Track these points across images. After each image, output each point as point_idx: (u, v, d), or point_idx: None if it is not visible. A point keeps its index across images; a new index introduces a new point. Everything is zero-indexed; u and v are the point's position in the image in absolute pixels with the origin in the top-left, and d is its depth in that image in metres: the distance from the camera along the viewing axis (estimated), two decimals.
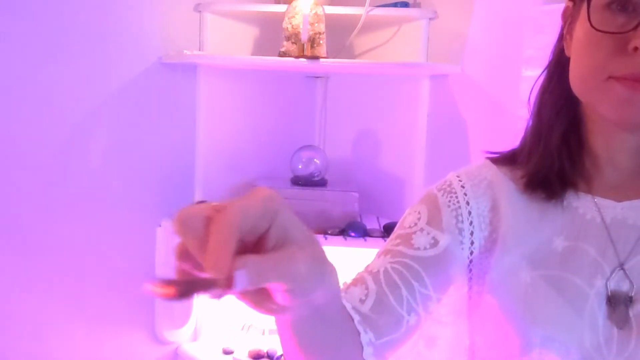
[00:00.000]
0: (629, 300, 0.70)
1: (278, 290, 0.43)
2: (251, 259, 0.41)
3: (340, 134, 1.92)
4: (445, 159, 1.67)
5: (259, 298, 0.44)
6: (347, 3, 1.72)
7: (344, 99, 1.92)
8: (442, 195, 0.80)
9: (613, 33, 0.66)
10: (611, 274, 0.71)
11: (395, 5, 1.71)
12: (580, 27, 0.71)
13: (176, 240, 0.43)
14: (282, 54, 1.64)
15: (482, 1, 1.58)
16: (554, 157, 0.76)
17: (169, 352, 1.80)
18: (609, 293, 0.70)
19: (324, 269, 0.46)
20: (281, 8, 1.68)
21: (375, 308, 0.71)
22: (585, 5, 0.69)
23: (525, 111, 0.82)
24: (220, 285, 0.39)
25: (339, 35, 1.75)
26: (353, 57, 1.86)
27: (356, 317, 0.69)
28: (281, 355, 1.72)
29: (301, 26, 1.59)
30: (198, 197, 1.79)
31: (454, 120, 1.64)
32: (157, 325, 1.76)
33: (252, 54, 1.83)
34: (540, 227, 0.75)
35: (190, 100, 1.75)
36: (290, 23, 1.62)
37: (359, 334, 0.68)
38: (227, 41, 1.77)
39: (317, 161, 1.74)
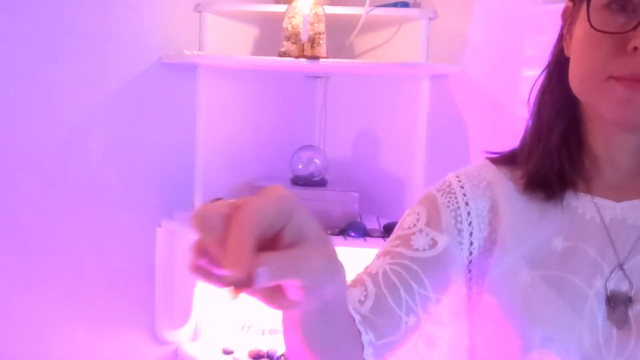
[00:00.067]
0: (628, 301, 0.70)
1: (292, 286, 0.43)
2: (271, 256, 0.41)
3: (340, 134, 1.92)
4: (445, 159, 1.67)
5: (271, 293, 0.44)
6: (347, 3, 1.72)
7: (344, 99, 1.92)
8: (442, 196, 0.80)
9: (613, 33, 0.66)
10: (610, 274, 0.71)
11: (395, 5, 1.71)
12: (580, 27, 0.71)
13: (189, 237, 0.43)
14: (282, 54, 1.64)
15: (482, 1, 1.58)
16: (554, 157, 0.76)
17: (169, 352, 1.80)
18: (609, 293, 0.70)
19: (336, 266, 0.47)
20: (281, 8, 1.68)
21: (374, 309, 0.71)
22: (584, 5, 0.68)
23: (525, 111, 0.82)
24: (241, 281, 0.40)
25: (339, 35, 1.75)
26: (353, 57, 1.86)
27: (357, 317, 0.69)
28: (281, 355, 1.72)
29: (301, 26, 1.59)
30: (198, 197, 1.79)
31: (454, 120, 1.64)
32: (157, 325, 1.76)
33: (252, 54, 1.83)
34: (540, 227, 0.75)
35: (190, 100, 1.75)
36: (290, 23, 1.62)
37: (360, 333, 0.68)
38: (227, 41, 1.78)
39: (317, 161, 1.74)
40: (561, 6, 0.77)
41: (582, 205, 0.75)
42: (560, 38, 0.77)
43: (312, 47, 1.61)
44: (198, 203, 1.79)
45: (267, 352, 1.73)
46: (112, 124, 1.63)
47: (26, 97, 1.50)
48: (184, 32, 1.72)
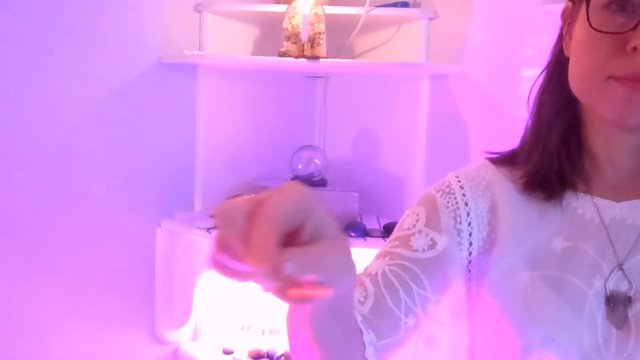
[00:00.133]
0: (627, 301, 0.70)
1: (308, 281, 0.44)
2: (294, 252, 0.42)
3: (340, 134, 1.92)
4: (445, 159, 1.67)
5: (287, 288, 0.44)
6: (347, 3, 1.72)
7: (344, 99, 1.92)
8: (441, 197, 0.80)
9: (612, 33, 0.66)
10: (610, 274, 0.71)
11: (395, 5, 1.71)
12: (580, 28, 0.71)
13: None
14: (282, 54, 1.64)
15: (482, 1, 1.58)
16: (554, 157, 0.76)
17: (169, 352, 1.80)
18: (608, 293, 0.70)
19: (350, 263, 0.48)
20: (281, 8, 1.68)
21: (373, 310, 0.71)
22: (584, 5, 0.68)
23: (525, 111, 0.82)
24: (265, 276, 0.41)
25: (339, 35, 1.75)
26: (353, 57, 1.86)
27: (358, 317, 0.70)
28: (281, 355, 1.72)
29: (301, 26, 1.59)
30: (198, 197, 1.79)
31: (454, 120, 1.64)
32: (157, 325, 1.76)
33: (252, 54, 1.83)
34: (540, 227, 0.75)
35: (190, 100, 1.75)
36: (290, 23, 1.62)
37: (361, 333, 0.69)
38: (227, 41, 1.78)
39: (317, 161, 1.74)
40: (561, 6, 0.77)
41: (581, 205, 0.75)
42: (560, 38, 0.77)
43: (312, 47, 1.61)
44: (198, 203, 1.79)
45: (267, 352, 1.73)
46: (112, 123, 1.63)
47: (26, 97, 1.50)
48: (184, 32, 1.72)
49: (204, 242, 1.77)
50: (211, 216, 1.67)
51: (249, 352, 1.73)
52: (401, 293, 0.73)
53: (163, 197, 1.74)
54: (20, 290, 1.54)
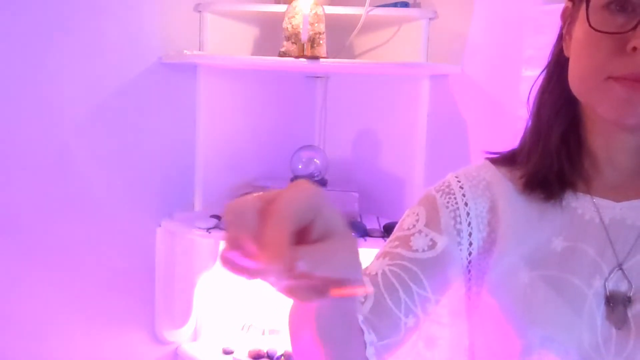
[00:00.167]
0: (627, 301, 0.70)
1: (318, 279, 0.44)
2: (307, 250, 0.42)
3: (340, 134, 1.92)
4: (445, 159, 1.67)
5: (296, 285, 0.45)
6: (347, 3, 1.72)
7: (344, 99, 1.92)
8: (441, 197, 0.80)
9: (612, 33, 0.66)
10: (610, 274, 0.71)
11: (395, 5, 1.71)
12: (580, 28, 0.71)
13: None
14: (282, 54, 1.64)
15: (482, 1, 1.58)
16: (553, 157, 0.76)
17: (169, 352, 1.80)
18: (608, 293, 0.70)
19: (358, 261, 0.48)
20: (281, 8, 1.68)
21: (373, 310, 0.71)
22: (584, 5, 0.68)
23: (525, 111, 0.82)
24: (277, 274, 0.41)
25: (339, 35, 1.75)
26: (353, 57, 1.86)
27: (359, 317, 0.70)
28: (281, 355, 1.72)
29: (301, 26, 1.59)
30: (198, 197, 1.79)
31: (454, 120, 1.64)
32: (157, 325, 1.76)
33: (252, 54, 1.83)
34: (539, 227, 0.75)
35: (190, 100, 1.75)
36: (290, 23, 1.62)
37: (362, 332, 0.69)
38: (227, 41, 1.78)
39: (317, 161, 1.74)
40: (561, 6, 0.77)
41: (581, 205, 0.75)
42: (560, 38, 0.77)
43: (312, 47, 1.61)
44: (198, 203, 1.79)
45: (267, 352, 1.73)
46: (112, 123, 1.63)
47: (26, 97, 1.50)
48: (184, 32, 1.72)
49: (204, 242, 1.77)
50: (220, 214, 1.67)
51: (249, 352, 1.73)
52: (401, 293, 0.73)
53: (163, 197, 1.74)
54: (20, 290, 1.54)
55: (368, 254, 0.82)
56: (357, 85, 1.87)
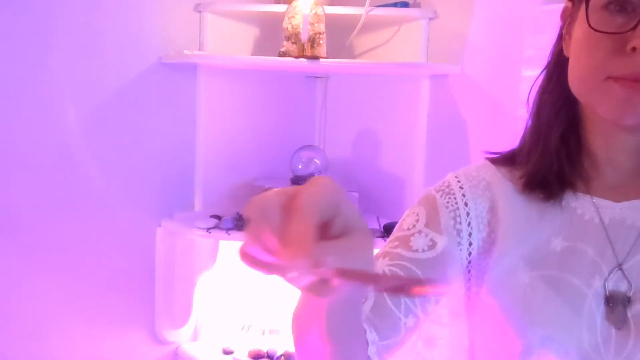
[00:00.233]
0: (627, 301, 0.70)
1: (341, 274, 0.44)
2: (332, 245, 0.42)
3: (340, 134, 1.92)
4: (445, 159, 1.67)
5: (317, 281, 0.45)
6: (347, 3, 1.72)
7: (344, 99, 1.92)
8: (441, 197, 0.80)
9: (612, 33, 0.66)
10: (609, 274, 0.71)
11: (395, 5, 1.71)
12: (579, 28, 0.70)
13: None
14: (282, 54, 1.64)
15: (482, 1, 1.58)
16: (553, 157, 0.76)
17: (169, 352, 1.80)
18: (607, 293, 0.70)
19: (373, 258, 0.49)
20: (281, 8, 1.68)
21: (374, 310, 0.71)
22: (583, 5, 0.68)
23: (524, 111, 0.82)
24: (304, 269, 0.41)
25: (339, 35, 1.75)
26: (353, 57, 1.86)
27: (362, 316, 0.70)
28: (281, 355, 1.72)
29: (301, 26, 1.59)
30: (198, 197, 1.79)
31: (454, 120, 1.64)
32: (157, 325, 1.76)
33: (252, 54, 1.83)
34: (539, 227, 0.75)
35: (190, 100, 1.75)
36: (290, 23, 1.62)
37: (365, 331, 0.69)
38: (227, 41, 1.78)
39: (317, 161, 1.74)
40: (561, 6, 0.77)
41: (581, 205, 0.75)
42: (560, 38, 0.77)
43: (312, 47, 1.61)
44: (198, 203, 1.79)
45: (267, 352, 1.73)
46: (112, 123, 1.63)
47: (26, 97, 1.50)
48: (184, 32, 1.72)
49: (204, 242, 1.77)
50: (220, 214, 1.67)
51: (249, 352, 1.73)
52: None
53: (163, 197, 1.74)
54: (20, 290, 1.54)
55: None
56: (357, 85, 1.87)
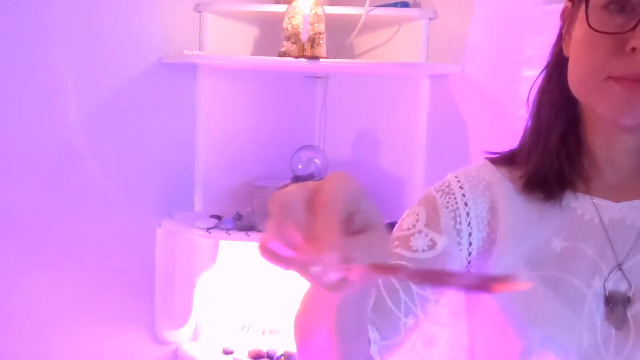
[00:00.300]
0: (626, 301, 0.70)
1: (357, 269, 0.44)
2: (358, 240, 0.42)
3: (340, 134, 1.92)
4: (445, 159, 1.67)
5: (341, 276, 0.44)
6: (347, 3, 1.72)
7: (344, 99, 1.92)
8: (441, 197, 0.80)
9: (611, 33, 0.66)
10: (609, 274, 0.71)
11: (395, 5, 1.71)
12: (579, 28, 0.70)
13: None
14: (282, 54, 1.64)
15: (482, 1, 1.58)
16: (553, 157, 0.76)
17: (169, 352, 1.80)
18: (607, 293, 0.70)
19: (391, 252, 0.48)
20: (281, 8, 1.68)
21: (375, 310, 0.71)
22: (583, 5, 0.68)
23: (524, 111, 0.82)
24: (330, 264, 0.41)
25: (339, 35, 1.75)
26: (353, 57, 1.86)
27: (367, 314, 0.70)
28: (281, 355, 1.72)
29: (301, 26, 1.59)
30: (198, 197, 1.79)
31: (454, 120, 1.64)
32: (157, 325, 1.76)
33: (252, 54, 1.83)
34: (539, 227, 0.75)
35: (190, 100, 1.75)
36: (290, 23, 1.62)
37: (367, 329, 0.69)
38: (227, 41, 1.78)
39: (317, 161, 1.74)
40: (561, 6, 0.77)
41: (581, 205, 0.75)
42: (560, 38, 0.77)
43: (312, 47, 1.61)
44: (198, 203, 1.79)
45: (267, 352, 1.73)
46: (112, 123, 1.63)
47: (26, 97, 1.50)
48: (184, 32, 1.72)
49: (204, 242, 1.77)
50: (220, 214, 1.67)
51: (249, 352, 1.73)
52: (401, 294, 0.73)
53: (163, 197, 1.74)
54: (20, 290, 1.54)
55: None
56: (357, 85, 1.87)
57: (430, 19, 1.68)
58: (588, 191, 0.76)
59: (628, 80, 0.65)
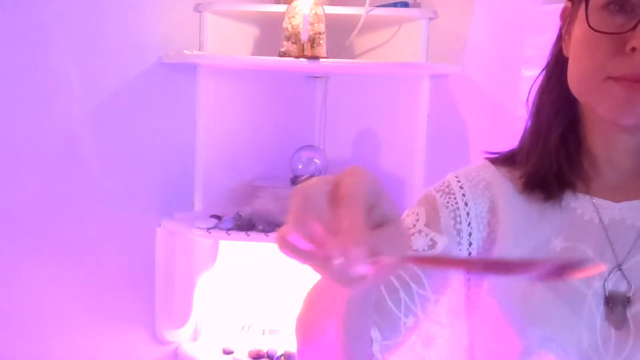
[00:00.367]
0: (626, 301, 0.70)
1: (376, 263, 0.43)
2: (383, 233, 0.42)
3: (340, 134, 1.92)
4: (445, 159, 1.67)
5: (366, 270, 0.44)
6: (347, 3, 1.72)
7: (344, 99, 1.92)
8: (441, 197, 0.80)
9: (611, 33, 0.66)
10: (609, 274, 0.71)
11: (395, 5, 1.71)
12: (579, 28, 0.70)
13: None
14: (282, 54, 1.64)
15: (482, 1, 1.58)
16: (553, 157, 0.76)
17: (169, 352, 1.80)
18: (607, 294, 0.70)
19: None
20: (281, 8, 1.68)
21: (375, 310, 0.71)
22: (583, 5, 0.68)
23: (524, 111, 0.82)
24: (356, 258, 0.40)
25: (339, 35, 1.75)
26: (353, 57, 1.86)
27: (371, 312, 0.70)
28: (281, 355, 1.72)
29: (301, 26, 1.59)
30: (198, 197, 1.79)
31: (454, 120, 1.64)
32: (157, 325, 1.76)
33: (252, 54, 1.83)
34: (539, 227, 0.75)
35: (190, 100, 1.75)
36: (290, 23, 1.62)
37: (370, 328, 0.69)
38: (227, 41, 1.78)
39: (317, 161, 1.74)
40: (561, 6, 0.77)
41: (580, 205, 0.75)
42: (559, 38, 0.77)
43: (312, 47, 1.61)
44: (198, 203, 1.79)
45: (267, 352, 1.73)
46: (112, 124, 1.63)
47: (26, 97, 1.50)
48: (184, 32, 1.72)
49: (204, 242, 1.77)
50: (220, 214, 1.67)
51: (249, 352, 1.73)
52: (401, 293, 0.73)
53: (163, 197, 1.74)
54: (21, 290, 1.54)
55: None
56: (357, 85, 1.87)
57: (430, 19, 1.68)
58: (588, 191, 0.75)
59: (628, 80, 0.65)
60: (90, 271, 1.63)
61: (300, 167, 1.73)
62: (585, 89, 0.71)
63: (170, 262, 1.74)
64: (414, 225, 0.78)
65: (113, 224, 1.66)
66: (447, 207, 0.79)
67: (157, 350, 1.78)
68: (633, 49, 0.64)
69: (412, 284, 0.73)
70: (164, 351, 1.79)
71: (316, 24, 1.61)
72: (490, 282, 0.76)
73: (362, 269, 0.41)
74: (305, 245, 0.43)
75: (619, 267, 0.71)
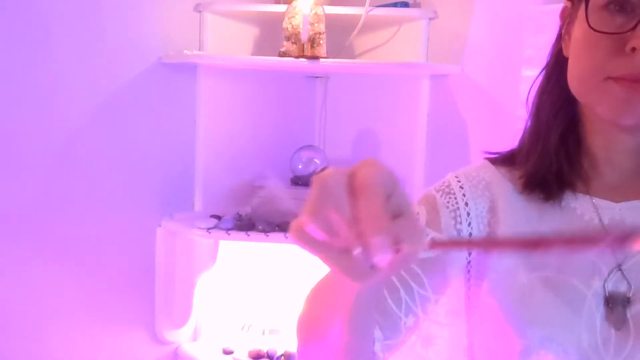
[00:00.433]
0: (626, 301, 0.70)
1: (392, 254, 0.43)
2: (403, 223, 0.42)
3: (340, 134, 1.92)
4: (445, 159, 1.67)
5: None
6: (347, 3, 1.72)
7: (344, 99, 1.92)
8: (441, 197, 0.80)
9: (611, 33, 0.66)
10: (609, 275, 0.71)
11: (395, 5, 1.71)
12: (579, 28, 0.70)
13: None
14: (282, 54, 1.64)
15: (482, 1, 1.58)
16: (552, 157, 0.76)
17: (169, 352, 1.80)
18: (607, 294, 0.70)
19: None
20: (281, 8, 1.68)
21: (376, 308, 0.71)
22: (583, 5, 0.68)
23: (524, 111, 0.82)
24: (378, 248, 0.40)
25: (339, 35, 1.75)
26: (353, 57, 1.86)
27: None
28: (281, 355, 1.72)
29: (301, 26, 1.59)
30: (198, 197, 1.79)
31: (454, 120, 1.64)
32: (157, 325, 1.76)
33: (252, 54, 1.83)
34: (539, 227, 0.75)
35: (190, 100, 1.75)
36: (290, 23, 1.62)
37: (373, 327, 0.69)
38: (227, 41, 1.78)
39: (317, 161, 1.74)
40: (561, 6, 0.77)
41: (580, 205, 0.75)
42: (559, 38, 0.77)
43: (312, 47, 1.61)
44: (198, 203, 1.79)
45: (267, 352, 1.73)
46: (112, 124, 1.63)
47: (26, 97, 1.50)
48: (184, 32, 1.72)
49: (204, 242, 1.77)
50: (220, 214, 1.67)
51: (249, 352, 1.73)
52: (402, 293, 0.73)
53: (163, 197, 1.74)
54: (21, 290, 1.54)
55: None
56: (357, 85, 1.87)
57: (430, 19, 1.68)
58: (588, 191, 0.75)
59: (628, 81, 0.65)
60: (90, 271, 1.63)
61: (300, 167, 1.73)
62: (585, 89, 0.71)
63: (170, 262, 1.74)
64: None
65: (113, 224, 1.66)
66: (448, 207, 0.79)
67: (157, 350, 1.78)
68: (633, 49, 0.64)
69: (412, 284, 0.73)
70: (164, 351, 1.79)
71: (316, 24, 1.61)
72: (490, 283, 0.76)
73: (382, 259, 0.41)
74: (322, 236, 0.42)
75: (618, 267, 0.71)
